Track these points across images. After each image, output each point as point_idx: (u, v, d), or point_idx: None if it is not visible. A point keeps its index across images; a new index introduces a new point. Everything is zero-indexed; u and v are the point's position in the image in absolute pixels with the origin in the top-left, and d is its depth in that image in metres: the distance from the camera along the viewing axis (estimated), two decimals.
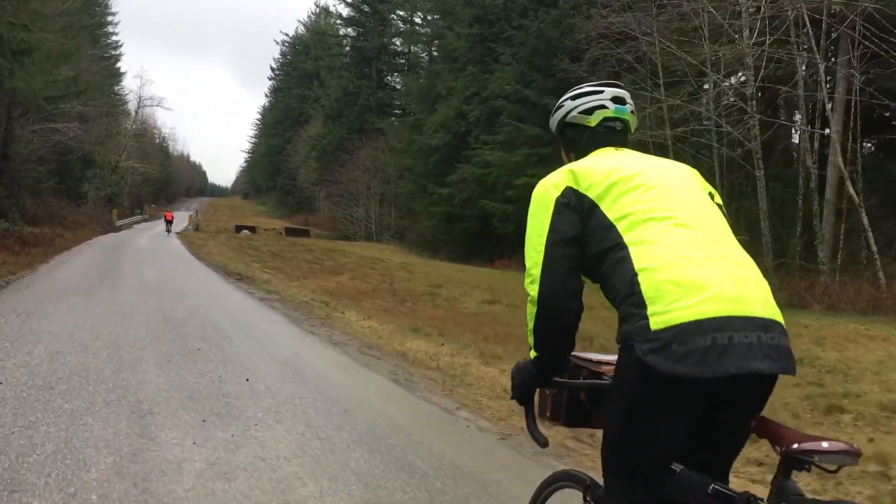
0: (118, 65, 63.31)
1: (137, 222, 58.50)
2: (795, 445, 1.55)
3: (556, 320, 1.82)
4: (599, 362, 2.08)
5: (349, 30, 67.59)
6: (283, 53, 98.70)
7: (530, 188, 1.95)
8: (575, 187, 1.84)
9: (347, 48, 68.97)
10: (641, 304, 1.62)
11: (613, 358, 1.86)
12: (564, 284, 1.79)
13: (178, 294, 12.88)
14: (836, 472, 1.66)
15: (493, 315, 12.73)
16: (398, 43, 66.03)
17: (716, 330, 1.56)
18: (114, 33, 61.70)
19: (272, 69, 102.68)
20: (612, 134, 2.06)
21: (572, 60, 28.49)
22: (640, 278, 1.65)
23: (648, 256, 1.68)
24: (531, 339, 1.88)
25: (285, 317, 10.92)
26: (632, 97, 2.14)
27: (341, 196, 56.87)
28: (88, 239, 30.75)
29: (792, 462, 1.57)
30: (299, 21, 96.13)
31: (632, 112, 2.08)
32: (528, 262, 1.85)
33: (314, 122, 74.74)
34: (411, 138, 40.35)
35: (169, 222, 46.04)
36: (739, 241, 1.86)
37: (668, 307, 1.59)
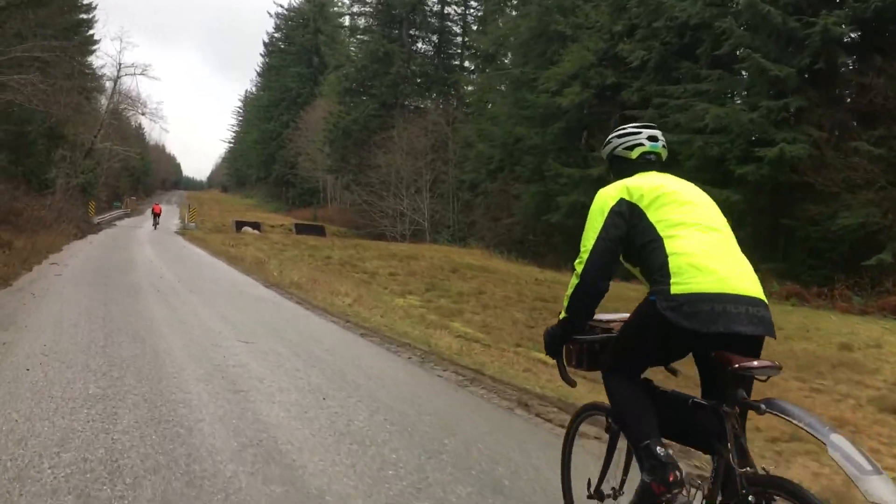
0: (90, 32, 50.69)
1: (118, 217, 47.63)
2: (737, 365, 2.20)
3: (589, 292, 2.59)
4: (609, 321, 2.79)
5: None
6: (277, 27, 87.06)
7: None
8: (627, 198, 2.57)
9: (368, 8, 57.21)
10: (667, 276, 2.37)
11: (619, 316, 2.78)
12: (603, 270, 2.55)
13: None
14: (766, 380, 2.28)
15: None
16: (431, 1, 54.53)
17: (715, 301, 2.29)
18: None
19: (265, 44, 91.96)
20: (649, 164, 2.78)
21: None
22: (669, 260, 2.40)
23: (677, 247, 2.42)
24: (566, 303, 2.65)
25: None
26: None
27: (371, 186, 45.37)
28: (56, 249, 18.62)
29: (737, 378, 2.23)
30: None
31: (663, 146, 2.83)
32: (582, 248, 2.58)
33: (323, 99, 63.29)
34: (517, 97, 28.86)
35: (157, 215, 41.79)
36: None
37: (685, 281, 2.33)
